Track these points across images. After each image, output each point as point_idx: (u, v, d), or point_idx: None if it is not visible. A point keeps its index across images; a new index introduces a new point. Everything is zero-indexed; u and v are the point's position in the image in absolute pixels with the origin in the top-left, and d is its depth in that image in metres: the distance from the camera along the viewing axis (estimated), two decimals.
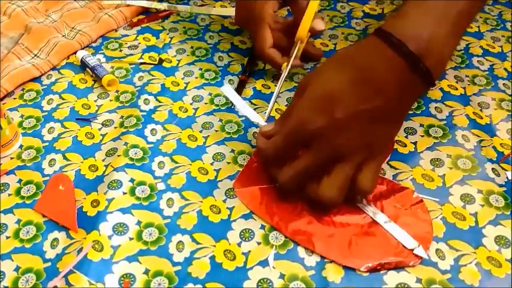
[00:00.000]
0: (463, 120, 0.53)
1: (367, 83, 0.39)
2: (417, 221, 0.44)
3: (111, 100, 0.56)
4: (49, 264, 0.42)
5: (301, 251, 0.42)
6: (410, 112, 0.54)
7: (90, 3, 0.69)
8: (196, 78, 0.59)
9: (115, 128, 0.53)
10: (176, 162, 0.49)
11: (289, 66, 0.53)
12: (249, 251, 0.42)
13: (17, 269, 0.41)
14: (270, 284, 0.40)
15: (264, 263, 0.42)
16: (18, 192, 0.47)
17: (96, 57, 0.61)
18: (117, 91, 0.57)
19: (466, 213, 0.45)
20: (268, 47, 0.55)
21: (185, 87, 0.58)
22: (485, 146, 0.51)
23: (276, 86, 0.54)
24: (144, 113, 0.54)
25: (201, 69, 0.60)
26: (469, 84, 0.58)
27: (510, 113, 0.54)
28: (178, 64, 0.61)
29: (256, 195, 0.46)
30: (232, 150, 0.51)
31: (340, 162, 0.41)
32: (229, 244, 0.43)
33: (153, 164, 0.49)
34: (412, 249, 0.41)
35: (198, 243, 0.43)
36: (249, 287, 0.40)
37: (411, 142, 0.51)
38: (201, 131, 0.52)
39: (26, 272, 0.41)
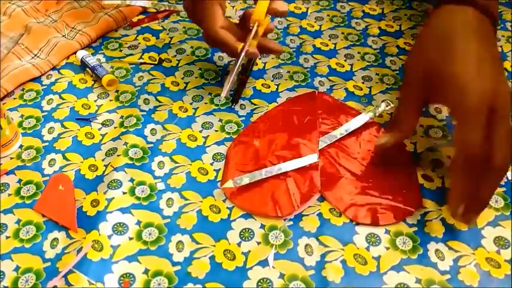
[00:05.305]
0: None
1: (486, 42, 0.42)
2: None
3: (111, 100, 0.56)
4: (49, 264, 0.42)
5: (301, 251, 0.42)
6: None
7: (90, 3, 0.69)
8: (196, 78, 0.59)
9: (115, 128, 0.53)
10: (176, 162, 0.49)
11: (246, 47, 0.50)
12: (249, 251, 0.42)
13: (16, 269, 0.41)
14: (270, 284, 0.40)
15: (263, 263, 0.42)
16: (18, 192, 0.47)
17: (96, 57, 0.61)
18: (117, 91, 0.57)
19: None
20: (219, 25, 0.50)
21: (185, 87, 0.58)
22: None
23: (233, 71, 0.51)
24: (144, 113, 0.54)
25: (201, 69, 0.60)
26: None
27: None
28: (178, 64, 0.61)
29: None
30: None
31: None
32: (229, 244, 0.43)
33: (153, 164, 0.49)
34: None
35: (197, 243, 0.43)
36: (249, 287, 0.40)
37: (411, 142, 0.51)
38: (200, 131, 0.53)
39: (25, 272, 0.41)
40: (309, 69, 0.60)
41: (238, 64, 0.50)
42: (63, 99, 0.56)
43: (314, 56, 0.62)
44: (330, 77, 0.59)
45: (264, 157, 0.49)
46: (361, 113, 0.53)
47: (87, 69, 0.59)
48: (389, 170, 0.48)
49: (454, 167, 0.41)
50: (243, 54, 0.50)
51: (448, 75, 0.41)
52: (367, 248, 0.43)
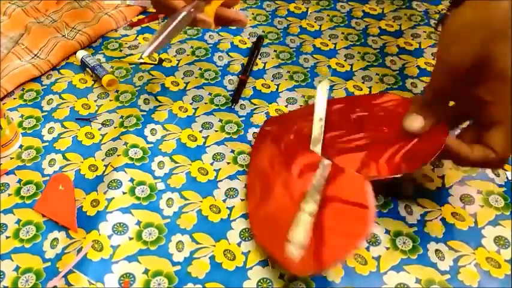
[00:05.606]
0: None
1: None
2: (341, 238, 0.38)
3: (111, 100, 0.56)
4: (49, 264, 0.42)
5: None
6: None
7: (90, 3, 0.69)
8: (196, 78, 0.59)
9: (115, 128, 0.53)
10: (176, 162, 0.49)
11: (188, 8, 0.46)
12: (249, 251, 0.42)
13: (16, 268, 0.41)
14: (270, 284, 0.40)
15: (263, 263, 0.42)
16: (18, 192, 0.47)
17: (96, 57, 0.61)
18: (117, 91, 0.57)
19: (466, 213, 0.45)
20: None
21: (185, 87, 0.58)
22: None
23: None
24: (144, 113, 0.54)
25: (201, 69, 0.60)
26: None
27: None
28: (178, 64, 0.61)
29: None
30: (232, 151, 0.51)
31: None
32: (229, 244, 0.43)
33: (153, 164, 0.49)
34: (289, 241, 0.39)
35: (197, 243, 0.43)
36: (249, 287, 0.40)
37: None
38: (200, 131, 0.53)
39: (25, 271, 0.41)
40: (309, 69, 0.60)
41: (172, 25, 0.45)
42: (63, 99, 0.56)
43: (314, 56, 0.62)
44: (329, 77, 0.59)
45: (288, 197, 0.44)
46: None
47: (87, 69, 0.59)
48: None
49: (481, 152, 0.39)
50: (182, 13, 0.45)
51: (501, 71, 0.36)
52: (367, 248, 0.43)
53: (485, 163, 0.40)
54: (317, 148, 0.45)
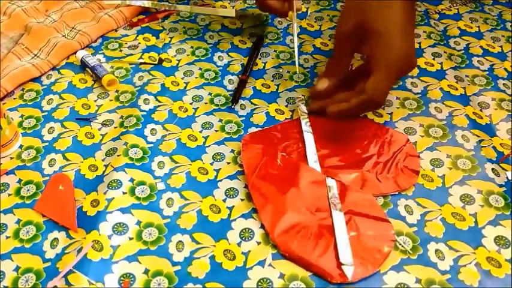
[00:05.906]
0: (463, 120, 0.53)
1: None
2: (370, 249, 0.42)
3: (111, 100, 0.56)
4: (49, 264, 0.42)
5: None
6: (410, 112, 0.54)
7: (90, 3, 0.69)
8: (196, 78, 0.59)
9: (115, 127, 0.53)
10: (176, 162, 0.49)
11: (295, 13, 0.57)
12: (249, 251, 0.42)
13: (16, 269, 0.41)
14: (270, 283, 0.40)
15: (263, 263, 0.42)
16: (18, 192, 0.47)
17: (96, 57, 0.61)
18: (117, 91, 0.57)
19: (466, 213, 0.45)
20: None
21: (185, 87, 0.58)
22: (485, 146, 0.51)
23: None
24: (144, 113, 0.54)
25: (201, 69, 0.60)
26: (469, 84, 0.58)
27: (510, 113, 0.54)
28: (178, 64, 0.61)
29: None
30: (232, 150, 0.51)
31: None
32: (229, 244, 0.43)
33: (153, 164, 0.49)
34: (342, 264, 0.40)
35: (197, 243, 0.43)
36: (249, 287, 0.40)
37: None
38: (201, 131, 0.53)
39: (25, 272, 0.41)
40: (309, 69, 0.60)
41: (294, 30, 0.57)
42: (63, 99, 0.56)
43: (314, 56, 0.62)
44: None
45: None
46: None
47: (87, 69, 0.59)
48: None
49: (357, 99, 0.48)
50: (295, 15, 0.57)
51: (379, 32, 0.46)
52: None
53: (363, 107, 0.49)
54: (316, 166, 0.48)
